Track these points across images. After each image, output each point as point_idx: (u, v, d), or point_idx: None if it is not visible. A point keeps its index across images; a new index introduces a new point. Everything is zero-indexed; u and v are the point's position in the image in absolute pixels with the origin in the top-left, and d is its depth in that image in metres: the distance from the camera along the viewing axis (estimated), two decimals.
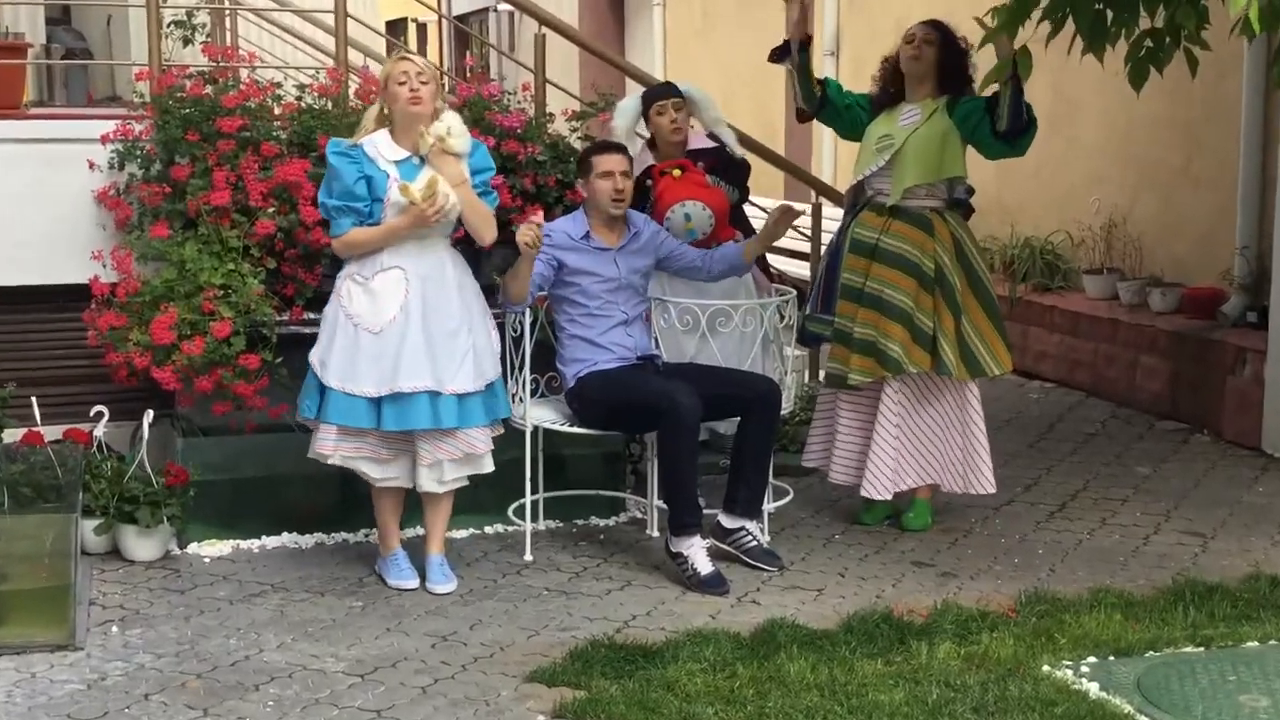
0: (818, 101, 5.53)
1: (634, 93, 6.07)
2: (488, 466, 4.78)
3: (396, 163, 4.62)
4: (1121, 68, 5.10)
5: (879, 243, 5.31)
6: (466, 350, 4.63)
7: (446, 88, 7.07)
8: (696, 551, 4.77)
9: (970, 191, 5.50)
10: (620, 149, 5.21)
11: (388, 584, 4.73)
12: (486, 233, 4.76)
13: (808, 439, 5.72)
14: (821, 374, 6.20)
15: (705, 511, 4.93)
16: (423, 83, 4.59)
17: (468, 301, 4.73)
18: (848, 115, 5.59)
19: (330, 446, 4.63)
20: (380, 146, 4.64)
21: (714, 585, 4.69)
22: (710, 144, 5.82)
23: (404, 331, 4.54)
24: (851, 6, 10.66)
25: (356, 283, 4.63)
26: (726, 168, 5.76)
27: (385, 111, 4.70)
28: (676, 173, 5.43)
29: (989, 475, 5.43)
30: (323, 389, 4.62)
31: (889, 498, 5.36)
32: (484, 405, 4.70)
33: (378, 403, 4.55)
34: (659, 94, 5.67)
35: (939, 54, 5.34)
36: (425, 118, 4.60)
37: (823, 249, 6.24)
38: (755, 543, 4.98)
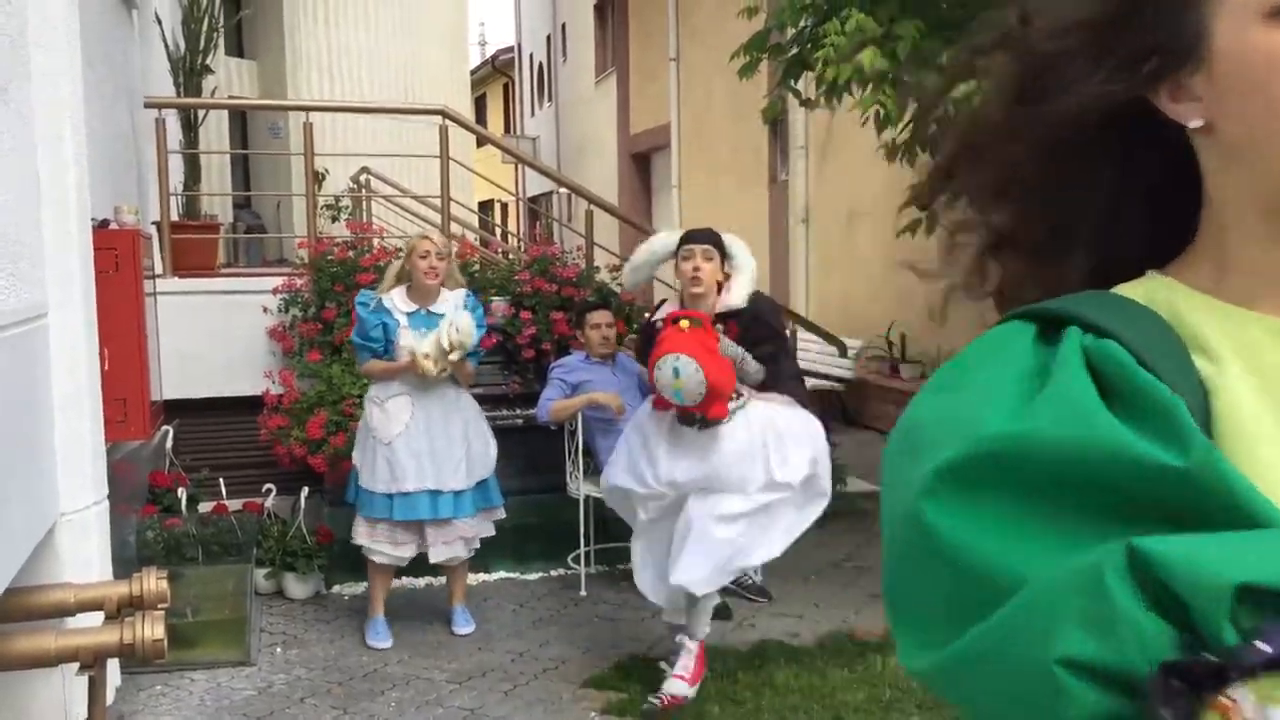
0: None
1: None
2: (475, 544, 4.58)
3: (409, 314, 4.35)
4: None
5: None
6: (460, 457, 4.37)
7: (513, 260, 7.20)
8: None
9: None
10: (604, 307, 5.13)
11: (367, 643, 4.44)
12: (465, 382, 4.49)
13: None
14: None
15: None
16: (440, 259, 4.33)
17: (466, 418, 4.44)
18: None
19: (360, 531, 4.45)
20: (396, 300, 4.37)
21: (721, 615, 4.65)
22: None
23: (409, 443, 4.31)
24: (817, 185, 10.83)
25: (375, 404, 4.39)
26: (758, 340, 3.86)
27: (406, 270, 4.40)
28: (684, 324, 3.72)
29: None
30: (358, 484, 4.46)
31: None
32: (474, 499, 4.44)
33: (390, 498, 4.35)
34: (689, 237, 3.89)
35: None
36: (437, 288, 4.38)
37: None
38: (751, 581, 4.95)
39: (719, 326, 3.77)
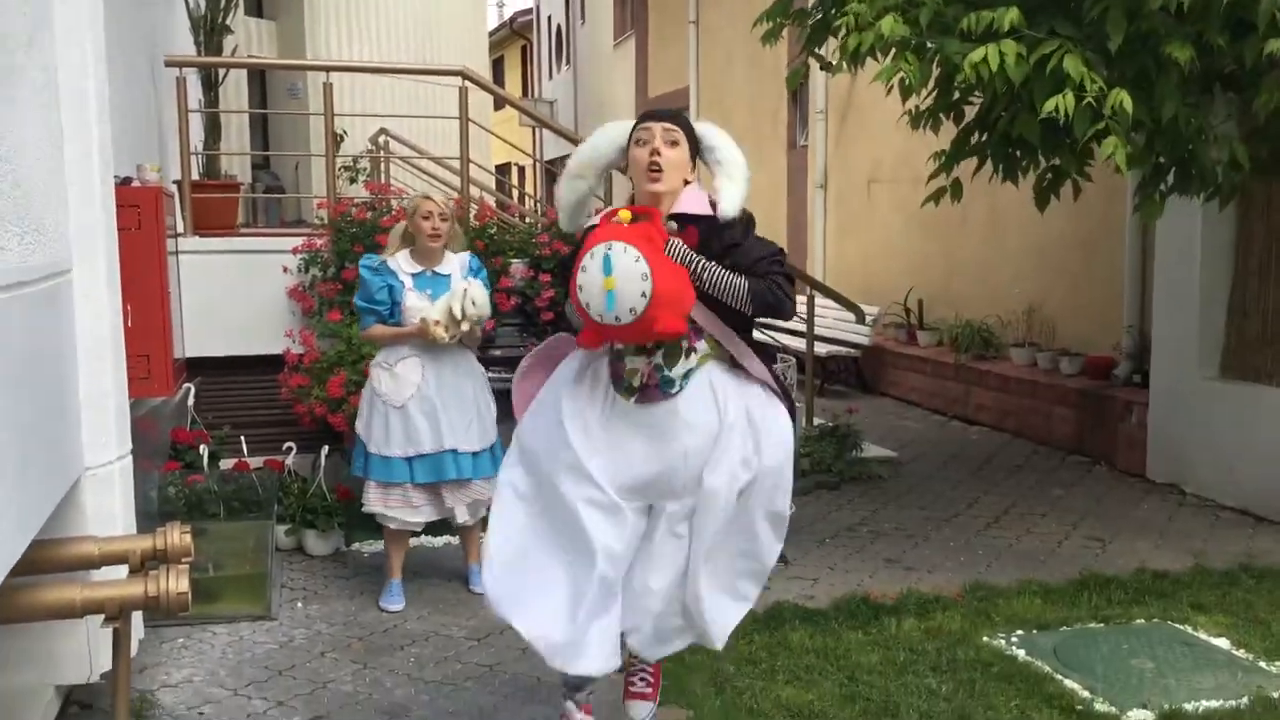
0: None
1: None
2: (486, 507, 4.41)
3: (413, 275, 4.31)
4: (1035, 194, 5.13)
5: None
6: (472, 418, 4.34)
7: (532, 223, 7.13)
8: None
9: None
10: None
11: (380, 605, 4.40)
12: (472, 346, 4.42)
13: None
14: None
15: None
16: (443, 220, 4.28)
17: (474, 381, 4.39)
18: None
19: (373, 499, 4.38)
20: (401, 262, 4.32)
21: None
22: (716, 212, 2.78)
23: (421, 405, 4.26)
24: (836, 150, 10.73)
25: (383, 368, 4.32)
26: (725, 251, 2.70)
27: (411, 231, 4.35)
28: (624, 216, 2.63)
29: None
30: (367, 452, 4.37)
31: None
32: (489, 461, 4.38)
33: (409, 461, 4.31)
34: (647, 115, 2.80)
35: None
36: (441, 249, 4.33)
37: (817, 331, 5.99)
38: None
39: (671, 225, 2.66)
